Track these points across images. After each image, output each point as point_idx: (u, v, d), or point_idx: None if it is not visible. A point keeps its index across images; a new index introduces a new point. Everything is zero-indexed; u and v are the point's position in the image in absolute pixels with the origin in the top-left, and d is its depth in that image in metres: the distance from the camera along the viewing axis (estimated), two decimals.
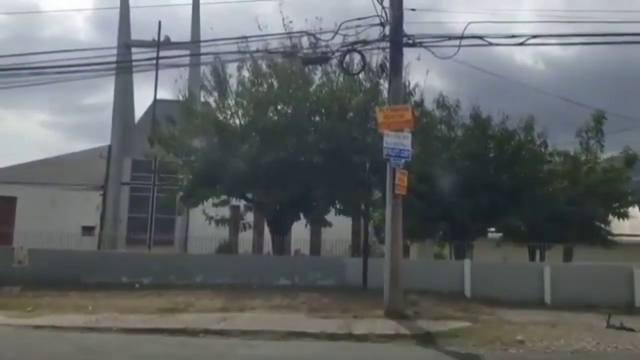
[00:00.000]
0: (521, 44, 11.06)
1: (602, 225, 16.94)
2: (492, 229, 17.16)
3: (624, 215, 16.81)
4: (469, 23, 10.50)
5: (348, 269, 14.79)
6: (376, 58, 14.18)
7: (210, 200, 16.44)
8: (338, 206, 16.56)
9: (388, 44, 11.02)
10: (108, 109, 24.02)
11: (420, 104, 16.06)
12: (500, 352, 7.94)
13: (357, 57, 12.80)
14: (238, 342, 8.29)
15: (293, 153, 14.98)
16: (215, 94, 16.39)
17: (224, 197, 16.61)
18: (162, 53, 18.51)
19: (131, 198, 23.48)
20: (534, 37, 11.15)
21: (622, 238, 17.56)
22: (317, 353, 7.94)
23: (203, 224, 16.84)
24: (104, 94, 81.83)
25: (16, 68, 12.43)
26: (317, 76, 16.18)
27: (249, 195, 16.98)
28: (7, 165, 24.18)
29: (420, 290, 12.54)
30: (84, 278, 14.43)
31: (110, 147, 23.11)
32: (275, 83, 15.81)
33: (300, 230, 17.71)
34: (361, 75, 15.23)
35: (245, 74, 16.09)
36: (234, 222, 17.72)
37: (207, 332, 8.81)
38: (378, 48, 11.89)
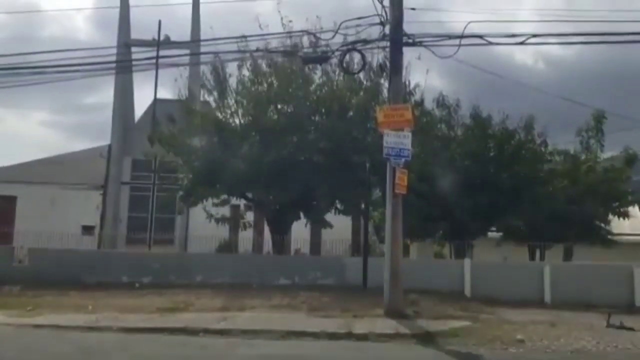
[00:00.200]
0: (521, 43, 11.07)
1: (602, 225, 16.91)
2: (492, 229, 17.12)
3: (624, 215, 16.80)
4: (469, 22, 10.58)
5: (348, 269, 14.81)
6: (376, 57, 14.21)
7: (211, 199, 16.43)
8: (338, 205, 16.58)
9: (388, 43, 11.04)
10: (108, 108, 24.10)
11: (420, 104, 16.05)
12: (500, 352, 7.94)
13: (357, 57, 12.78)
14: (238, 342, 8.28)
15: (293, 152, 15.00)
16: (215, 93, 16.39)
17: (224, 196, 16.60)
18: (162, 52, 18.57)
19: (131, 197, 23.48)
20: (534, 36, 11.16)
21: (622, 237, 17.52)
22: (317, 352, 7.92)
23: (203, 224, 16.84)
24: (104, 93, 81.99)
25: (16, 67, 12.41)
26: (317, 75, 16.20)
27: (249, 195, 16.99)
28: (7, 165, 24.26)
29: (420, 290, 12.54)
30: (84, 277, 14.46)
31: (110, 146, 23.10)
32: (275, 82, 15.80)
33: (300, 230, 17.71)
34: (361, 75, 15.25)
35: (245, 73, 16.15)
36: (234, 222, 17.71)
37: (207, 331, 8.80)
38: (378, 47, 11.93)
